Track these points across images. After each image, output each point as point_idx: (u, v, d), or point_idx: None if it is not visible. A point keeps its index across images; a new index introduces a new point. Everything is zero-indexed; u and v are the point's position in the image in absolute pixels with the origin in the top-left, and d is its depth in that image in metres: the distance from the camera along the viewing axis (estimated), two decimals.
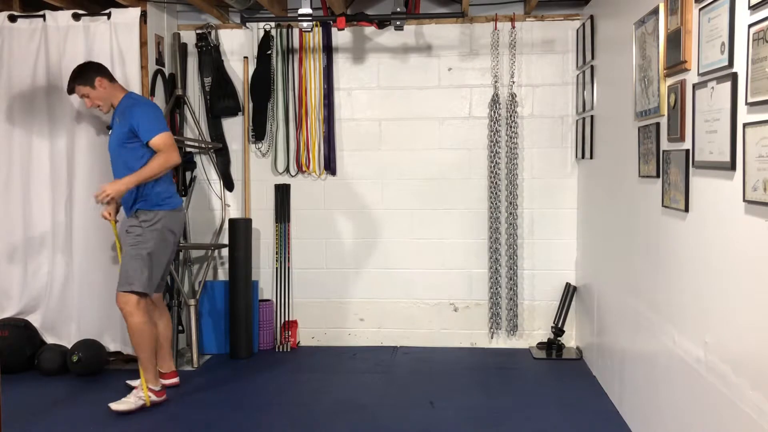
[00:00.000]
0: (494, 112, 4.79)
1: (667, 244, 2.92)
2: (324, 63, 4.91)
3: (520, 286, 4.88)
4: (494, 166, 4.81)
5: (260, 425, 3.59)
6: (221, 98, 4.88)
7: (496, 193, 4.82)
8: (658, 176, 3.02)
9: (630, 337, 3.51)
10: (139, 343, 3.73)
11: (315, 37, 4.89)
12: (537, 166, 4.85)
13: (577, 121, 4.70)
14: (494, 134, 4.80)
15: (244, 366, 4.58)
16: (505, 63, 4.81)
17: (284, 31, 4.92)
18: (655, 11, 2.94)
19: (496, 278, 4.86)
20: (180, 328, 4.73)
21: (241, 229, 4.75)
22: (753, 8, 2.12)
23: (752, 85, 2.11)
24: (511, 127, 4.79)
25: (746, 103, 2.16)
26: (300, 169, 4.98)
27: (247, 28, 4.93)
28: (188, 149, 4.89)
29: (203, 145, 4.89)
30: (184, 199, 4.07)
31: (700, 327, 2.56)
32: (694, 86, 2.60)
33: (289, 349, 4.92)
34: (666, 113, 2.90)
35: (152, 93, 4.52)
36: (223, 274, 5.05)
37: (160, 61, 4.64)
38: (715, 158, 2.39)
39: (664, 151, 2.94)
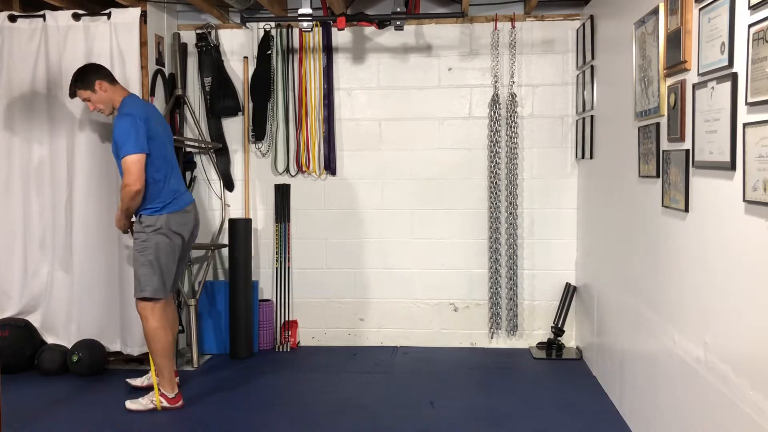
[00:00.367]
0: (494, 112, 4.79)
1: (667, 244, 2.92)
2: (324, 63, 4.91)
3: (520, 286, 4.88)
4: (494, 166, 4.81)
5: (260, 425, 3.59)
6: (221, 98, 4.88)
7: (496, 193, 4.82)
8: (658, 176, 3.02)
9: (630, 337, 3.51)
10: (155, 348, 3.71)
11: (315, 37, 4.90)
12: (537, 166, 4.85)
13: (577, 121, 4.70)
14: (494, 134, 4.80)
15: (244, 366, 4.58)
16: (505, 63, 4.81)
17: (284, 31, 4.92)
18: (655, 11, 2.95)
19: (496, 278, 4.86)
20: (180, 328, 4.72)
21: (241, 229, 4.75)
22: (753, 8, 2.12)
23: (752, 85, 2.11)
24: (511, 127, 4.79)
25: (746, 103, 2.16)
26: (300, 169, 4.98)
27: (247, 28, 4.93)
28: (188, 149, 4.89)
29: (203, 145, 4.89)
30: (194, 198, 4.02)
31: (700, 327, 2.56)
32: (694, 86, 2.60)
33: (289, 349, 4.92)
34: (666, 113, 2.90)
35: (152, 93, 4.52)
36: (223, 274, 5.05)
37: (160, 61, 4.64)
38: (715, 158, 2.39)
39: (664, 151, 2.94)
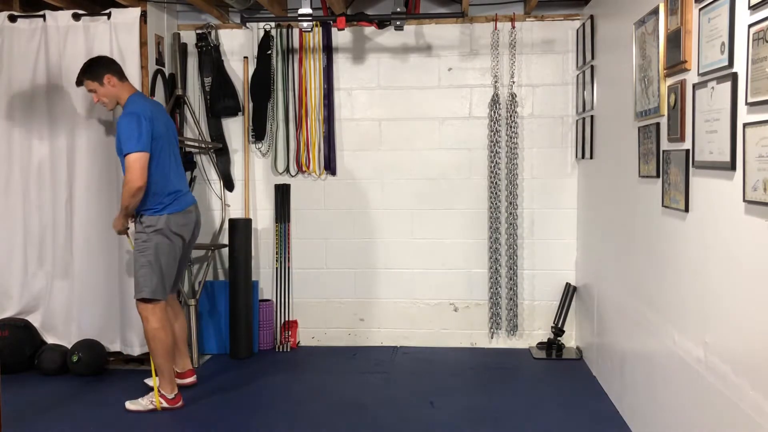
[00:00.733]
0: (494, 112, 4.79)
1: (667, 244, 2.92)
2: (324, 63, 4.91)
3: (520, 286, 4.88)
4: (494, 166, 4.81)
5: (260, 425, 3.59)
6: (221, 98, 4.88)
7: (496, 193, 4.82)
8: (658, 176, 3.02)
9: (630, 337, 3.51)
10: (155, 349, 3.70)
11: (315, 37, 4.90)
12: (537, 166, 4.85)
13: (577, 121, 4.70)
14: (494, 134, 4.80)
15: (244, 366, 4.58)
16: (505, 63, 4.81)
17: (284, 31, 4.92)
18: (655, 11, 2.95)
19: (496, 278, 4.86)
20: None
21: (241, 229, 4.75)
22: (753, 8, 2.12)
23: (752, 85, 2.11)
24: (511, 127, 4.79)
25: (746, 103, 2.16)
26: (300, 169, 4.98)
27: (247, 28, 4.93)
28: (188, 149, 4.89)
29: (203, 145, 4.89)
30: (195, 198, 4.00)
31: (700, 327, 2.56)
32: (694, 86, 2.60)
33: (289, 349, 4.92)
34: (666, 113, 2.90)
35: (152, 93, 4.52)
36: (223, 274, 5.05)
37: (160, 61, 4.64)
38: (715, 158, 2.39)
39: (664, 151, 2.94)
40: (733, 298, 2.30)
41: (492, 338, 4.94)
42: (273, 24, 4.88)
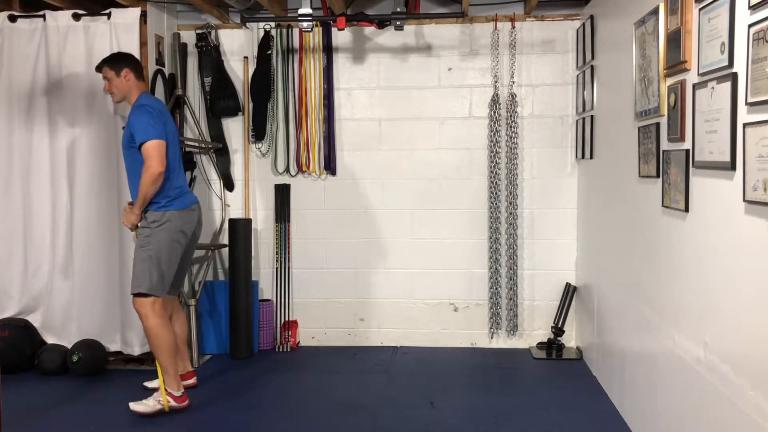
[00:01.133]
0: (494, 112, 4.79)
1: (667, 244, 2.92)
2: (324, 63, 4.91)
3: (520, 286, 4.88)
4: (494, 166, 4.81)
5: (260, 425, 3.59)
6: (221, 98, 4.88)
7: (496, 193, 4.82)
8: (658, 176, 3.02)
9: (630, 337, 3.51)
10: (157, 346, 3.66)
11: (315, 37, 4.90)
12: (537, 166, 4.85)
13: (577, 121, 4.70)
14: (494, 134, 4.80)
15: (244, 366, 4.58)
16: (505, 63, 4.81)
17: (284, 31, 4.92)
18: (655, 11, 2.94)
19: (496, 278, 4.86)
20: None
21: (241, 229, 4.75)
22: (753, 8, 2.12)
23: (752, 85, 2.11)
24: (511, 127, 4.79)
25: (746, 103, 2.16)
26: (300, 169, 4.98)
27: (247, 28, 4.93)
28: (188, 149, 4.89)
29: (203, 145, 4.89)
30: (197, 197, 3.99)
31: (700, 327, 2.56)
32: (694, 86, 2.60)
33: (289, 349, 4.92)
34: (666, 113, 2.90)
35: (152, 93, 4.52)
36: (223, 274, 5.05)
37: (160, 61, 4.64)
38: (715, 158, 2.39)
39: (664, 151, 2.94)
40: (733, 298, 2.30)
41: (492, 338, 4.94)
42: (273, 24, 4.88)
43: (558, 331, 4.73)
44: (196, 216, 3.86)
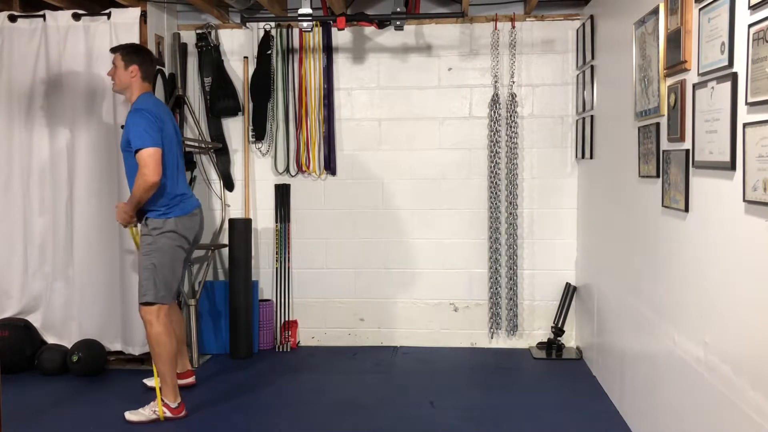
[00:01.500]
0: (494, 112, 4.79)
1: (667, 244, 2.92)
2: (324, 63, 4.91)
3: (520, 286, 4.88)
4: (494, 166, 4.81)
5: (260, 425, 3.59)
6: (221, 98, 4.88)
7: (496, 193, 4.82)
8: (658, 176, 3.02)
9: (630, 337, 3.51)
10: (158, 354, 3.61)
11: (315, 37, 4.90)
12: (537, 166, 4.85)
13: (577, 121, 4.70)
14: (494, 134, 4.80)
15: (244, 366, 4.58)
16: (505, 63, 4.81)
17: (284, 31, 4.92)
18: (655, 11, 2.95)
19: (496, 278, 4.86)
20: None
21: (241, 229, 4.75)
22: (753, 8, 2.12)
23: (752, 85, 2.11)
24: (511, 127, 4.79)
25: (746, 103, 2.16)
26: (300, 169, 4.98)
27: (247, 28, 4.93)
28: (188, 149, 4.89)
29: (203, 145, 4.89)
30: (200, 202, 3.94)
31: (700, 327, 2.56)
32: (694, 86, 2.60)
33: (289, 349, 4.92)
34: (666, 113, 2.90)
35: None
36: (223, 274, 5.05)
37: (160, 61, 4.63)
38: (715, 158, 2.39)
39: (664, 151, 2.94)
40: (733, 298, 2.30)
41: (492, 338, 4.94)
42: (273, 24, 4.88)
43: (558, 331, 4.73)
44: (197, 221, 3.81)
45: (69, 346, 4.41)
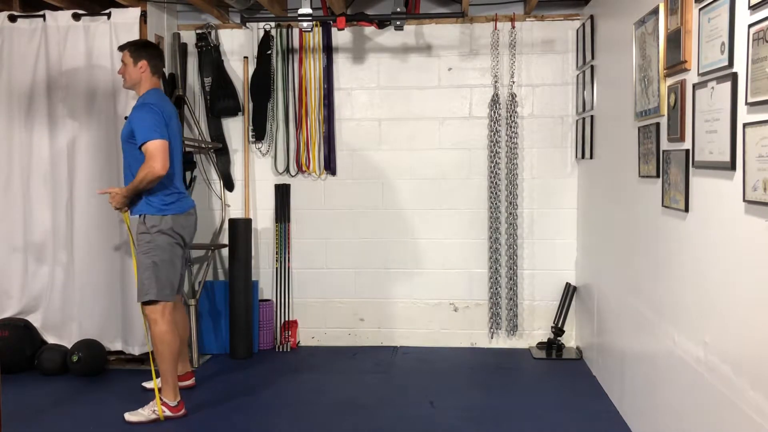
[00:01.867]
0: (494, 112, 4.79)
1: (667, 244, 2.92)
2: (324, 63, 4.91)
3: (520, 286, 4.88)
4: (494, 166, 4.81)
5: (260, 425, 3.59)
6: (221, 98, 4.88)
7: (496, 193, 4.82)
8: (658, 176, 3.02)
9: (630, 337, 3.51)
10: (161, 352, 3.61)
11: (315, 37, 4.90)
12: (537, 166, 4.85)
13: (577, 121, 4.70)
14: (494, 134, 4.80)
15: (243, 366, 4.58)
16: (505, 63, 4.81)
17: (284, 31, 4.92)
18: (655, 11, 2.95)
19: (496, 278, 4.86)
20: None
21: (241, 229, 4.75)
22: (753, 8, 2.12)
23: (752, 85, 2.11)
24: (511, 127, 4.79)
25: (746, 103, 2.16)
26: (300, 169, 4.98)
27: (247, 28, 4.93)
28: (188, 149, 4.89)
29: (203, 145, 4.89)
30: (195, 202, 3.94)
31: (700, 327, 2.56)
32: (694, 86, 2.60)
33: (289, 349, 4.92)
34: (666, 113, 2.90)
35: None
36: (223, 274, 5.05)
37: None
38: (715, 158, 2.39)
39: (664, 151, 2.94)
40: (733, 298, 2.30)
41: (492, 338, 4.94)
42: (273, 24, 4.88)
43: (558, 331, 4.73)
44: (193, 221, 3.82)
45: (69, 346, 4.41)
